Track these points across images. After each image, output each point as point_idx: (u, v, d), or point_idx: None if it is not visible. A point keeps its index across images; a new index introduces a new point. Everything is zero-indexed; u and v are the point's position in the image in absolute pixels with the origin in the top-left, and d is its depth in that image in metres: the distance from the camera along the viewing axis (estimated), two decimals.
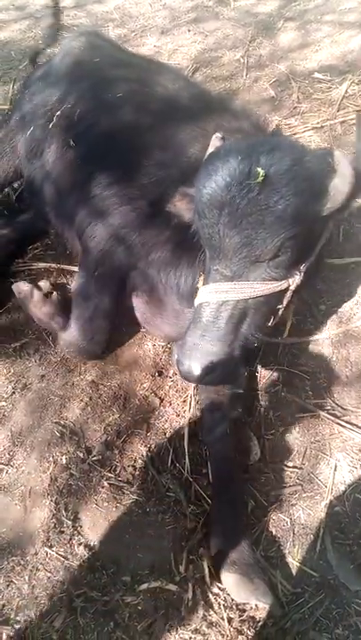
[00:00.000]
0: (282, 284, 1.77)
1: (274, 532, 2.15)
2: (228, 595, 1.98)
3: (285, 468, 2.30)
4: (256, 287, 1.72)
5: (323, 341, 2.64)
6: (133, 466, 2.33)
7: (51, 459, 2.35)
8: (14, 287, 2.81)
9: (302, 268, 1.81)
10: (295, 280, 1.80)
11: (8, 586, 2.04)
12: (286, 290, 1.81)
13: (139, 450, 2.38)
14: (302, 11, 5.05)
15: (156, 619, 1.93)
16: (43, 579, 2.05)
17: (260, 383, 2.55)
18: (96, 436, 2.43)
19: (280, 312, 1.91)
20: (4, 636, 1.92)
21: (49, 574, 2.06)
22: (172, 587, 2.00)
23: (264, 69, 4.38)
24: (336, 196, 1.69)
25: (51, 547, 2.11)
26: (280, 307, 1.88)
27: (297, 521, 2.17)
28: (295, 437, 2.38)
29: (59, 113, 2.67)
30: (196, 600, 1.97)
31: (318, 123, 3.70)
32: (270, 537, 2.14)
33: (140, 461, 2.34)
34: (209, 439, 2.30)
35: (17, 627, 1.94)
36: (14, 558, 2.10)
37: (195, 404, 2.47)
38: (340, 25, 4.71)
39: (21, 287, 2.77)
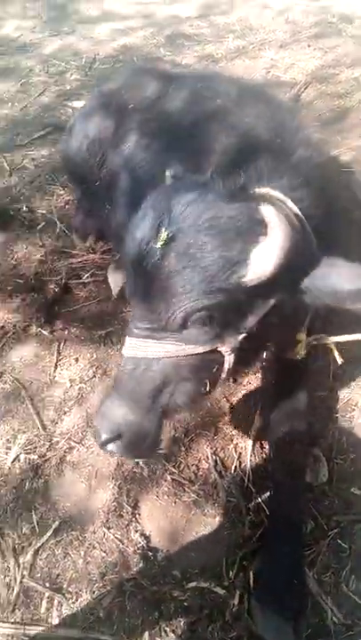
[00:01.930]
0: (200, 349, 1.56)
1: (331, 558, 2.08)
2: None
3: (352, 495, 2.22)
4: (168, 348, 1.55)
5: None
6: (197, 465, 2.36)
7: None
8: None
9: (235, 335, 1.59)
10: (227, 346, 1.59)
11: (65, 557, 2.15)
12: (221, 356, 1.62)
13: (204, 450, 2.40)
14: None
15: (201, 618, 1.94)
16: (97, 557, 2.13)
17: (338, 405, 2.48)
18: (165, 429, 2.48)
19: (222, 378, 1.70)
20: (56, 602, 2.03)
21: (103, 554, 2.14)
22: (220, 590, 2.00)
23: None
24: (261, 264, 1.43)
25: (109, 528, 2.20)
26: (220, 373, 1.68)
27: (356, 550, 2.09)
28: None
29: None
30: (241, 608, 1.96)
31: None
32: (326, 561, 2.07)
33: (203, 462, 2.37)
34: (274, 454, 2.28)
35: (68, 596, 2.04)
36: (73, 532, 2.20)
37: (261, 417, 2.46)
38: None
39: None
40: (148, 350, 1.57)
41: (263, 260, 1.42)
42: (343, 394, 2.53)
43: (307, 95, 4.34)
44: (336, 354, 2.02)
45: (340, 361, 1.99)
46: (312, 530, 2.15)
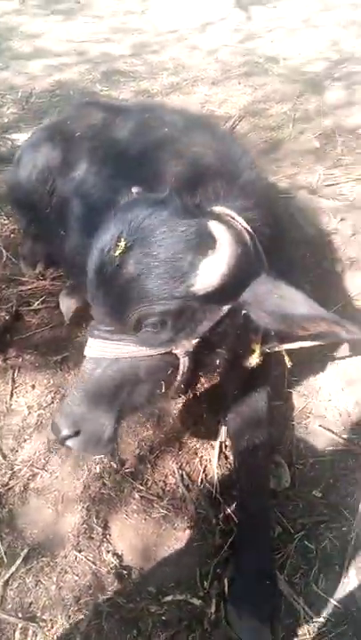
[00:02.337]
0: (153, 352, 1.67)
1: (299, 559, 2.17)
2: None
3: (313, 498, 2.33)
4: (124, 350, 1.66)
5: (359, 380, 2.71)
6: (164, 481, 2.39)
7: (85, 467, 2.43)
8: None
9: (190, 339, 1.69)
10: (182, 350, 1.69)
11: (36, 585, 2.09)
12: (176, 359, 1.72)
13: (170, 466, 2.44)
14: (349, 72, 5.38)
15: (180, 630, 1.95)
16: (70, 581, 2.10)
17: (293, 413, 2.61)
18: (130, 449, 2.51)
19: (177, 381, 1.79)
20: (30, 632, 1.97)
21: (76, 578, 2.10)
22: (196, 601, 2.02)
23: (310, 122, 4.65)
24: (209, 275, 1.54)
25: (80, 551, 2.17)
26: (176, 376, 1.77)
27: (323, 550, 2.18)
28: (325, 469, 2.42)
29: None
30: (218, 615, 1.99)
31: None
32: (295, 563, 2.15)
33: (170, 477, 2.41)
34: (239, 463, 2.35)
35: (42, 625, 1.99)
36: (44, 559, 2.15)
37: (224, 429, 2.54)
38: None
39: None
40: (106, 351, 1.68)
41: (211, 272, 1.54)
42: (298, 403, 2.66)
43: (241, 128, 4.63)
44: (286, 358, 2.17)
45: (289, 364, 2.12)
46: (279, 534, 2.23)
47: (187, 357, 1.72)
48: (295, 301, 1.61)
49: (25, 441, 2.57)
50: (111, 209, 2.51)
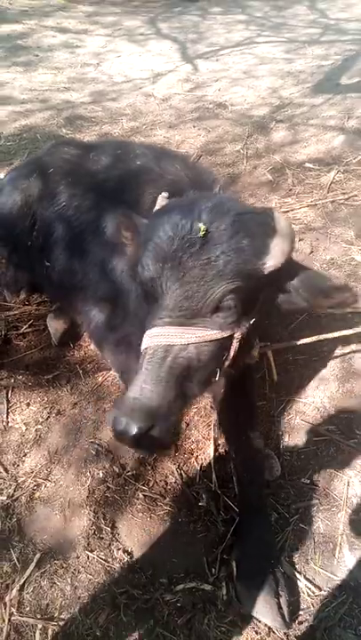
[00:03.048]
0: (224, 334, 1.78)
1: (296, 541, 2.34)
2: None
3: (303, 484, 2.53)
4: (198, 334, 1.72)
5: (331, 377, 2.98)
6: (165, 481, 2.53)
7: (88, 473, 2.55)
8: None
9: (246, 322, 1.83)
10: (239, 332, 1.82)
11: (51, 587, 2.16)
12: (231, 342, 1.84)
13: (169, 467, 2.59)
14: (291, 115, 5.94)
15: (195, 613, 2.07)
16: (85, 580, 2.18)
17: (277, 411, 2.84)
18: (129, 454, 2.64)
19: (225, 365, 1.91)
20: (50, 632, 2.02)
21: (90, 576, 2.19)
22: (207, 586, 2.15)
23: (261, 159, 5.09)
24: (277, 254, 1.75)
25: (92, 551, 2.26)
26: (226, 360, 1.89)
27: (317, 531, 2.37)
28: (310, 458, 2.63)
29: None
30: (230, 596, 2.12)
31: (312, 201, 4.31)
32: (293, 545, 2.32)
33: (170, 477, 2.55)
34: (235, 456, 2.54)
35: (61, 623, 2.05)
36: (57, 562, 2.23)
37: (218, 428, 2.73)
38: (323, 127, 5.56)
39: None
40: (181, 337, 1.71)
41: (278, 252, 1.75)
42: (280, 402, 2.89)
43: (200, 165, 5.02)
44: (274, 371, 2.44)
45: (275, 378, 2.37)
46: (276, 519, 2.40)
47: (239, 340, 1.83)
48: (321, 276, 1.92)
49: (25, 455, 2.66)
50: (97, 232, 2.73)
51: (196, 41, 9.05)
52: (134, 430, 1.58)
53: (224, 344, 1.82)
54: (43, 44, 8.53)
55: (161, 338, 1.72)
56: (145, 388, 1.67)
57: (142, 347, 1.76)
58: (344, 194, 4.40)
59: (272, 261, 1.75)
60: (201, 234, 1.66)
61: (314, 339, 2.81)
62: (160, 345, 1.72)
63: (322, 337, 2.80)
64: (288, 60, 8.03)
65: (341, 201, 4.29)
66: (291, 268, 1.88)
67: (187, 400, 1.79)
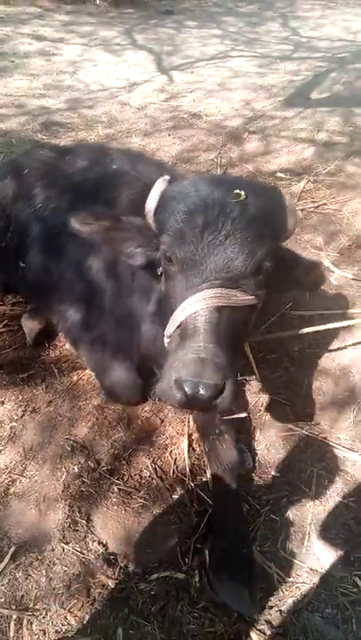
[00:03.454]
0: (258, 300, 1.85)
1: (267, 531, 2.42)
2: None
3: (273, 477, 2.62)
4: (241, 297, 1.77)
5: (300, 375, 3.10)
6: (140, 475, 2.59)
7: (63, 469, 2.57)
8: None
9: (264, 291, 1.90)
10: (261, 301, 1.89)
11: (26, 579, 2.18)
12: (255, 310, 1.93)
13: (144, 462, 2.64)
14: (263, 127, 6.13)
15: (169, 601, 2.12)
16: (60, 572, 2.20)
17: (248, 408, 2.93)
18: (104, 450, 2.69)
19: (249, 328, 2.02)
20: (25, 622, 2.04)
21: (65, 568, 2.22)
22: (180, 575, 2.21)
23: (235, 168, 5.24)
24: (292, 223, 1.95)
25: (67, 543, 2.29)
26: (251, 323, 2.00)
27: (286, 521, 2.46)
28: (280, 452, 2.73)
29: None
30: (202, 584, 2.18)
31: None
32: (264, 535, 2.40)
33: (145, 471, 2.60)
34: (208, 449, 2.61)
35: (36, 614, 2.07)
36: (32, 554, 2.25)
37: (192, 423, 2.80)
38: (294, 139, 5.77)
39: None
40: (230, 299, 1.73)
41: (292, 222, 1.94)
42: (251, 399, 2.98)
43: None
44: (255, 371, 2.55)
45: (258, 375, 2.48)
46: (247, 510, 2.48)
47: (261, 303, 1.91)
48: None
49: (0, 452, 2.67)
50: (73, 233, 2.78)
51: (172, 53, 9.23)
52: (210, 390, 1.57)
53: (254, 309, 1.90)
54: (19, 51, 8.57)
55: (215, 299, 1.71)
56: (208, 347, 1.64)
57: (189, 310, 1.73)
58: (313, 202, 4.57)
59: (290, 228, 1.93)
60: (242, 198, 1.76)
61: (316, 329, 2.99)
62: (214, 306, 1.71)
63: (322, 327, 2.98)
64: (261, 74, 8.27)
65: (311, 209, 4.46)
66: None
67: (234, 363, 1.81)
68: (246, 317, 1.90)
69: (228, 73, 8.29)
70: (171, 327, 1.85)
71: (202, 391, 1.59)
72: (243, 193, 1.77)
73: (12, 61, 8.01)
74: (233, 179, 1.95)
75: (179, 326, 1.80)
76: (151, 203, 2.00)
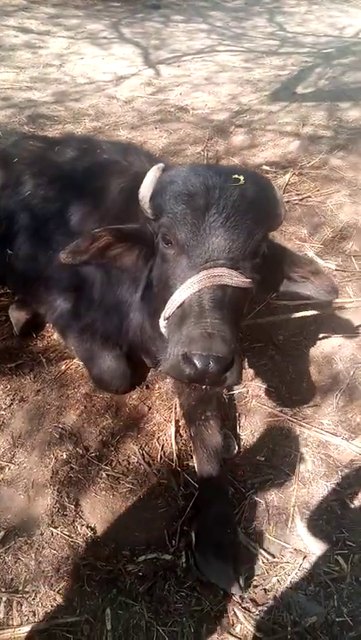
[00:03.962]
0: (254, 284, 1.89)
1: (252, 513, 2.48)
2: None
3: (258, 462, 2.68)
4: (241, 278, 1.81)
5: (285, 363, 3.16)
6: (127, 460, 2.63)
7: (52, 455, 2.61)
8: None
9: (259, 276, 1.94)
10: (256, 285, 1.93)
11: (16, 562, 2.21)
12: (250, 295, 1.96)
13: (131, 448, 2.69)
14: (249, 121, 6.16)
15: (156, 581, 2.17)
16: (49, 555, 2.24)
17: (234, 394, 2.98)
18: (92, 437, 2.72)
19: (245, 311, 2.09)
20: (15, 603, 2.08)
21: (54, 551, 2.26)
22: (168, 556, 2.26)
23: (221, 161, 5.27)
24: (282, 211, 2.00)
25: (55, 527, 2.33)
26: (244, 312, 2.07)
27: (271, 503, 2.52)
28: (265, 437, 2.79)
29: None
30: (189, 564, 2.23)
31: None
32: (249, 517, 2.46)
33: (132, 457, 2.65)
34: (194, 434, 2.66)
35: (26, 595, 2.11)
36: (21, 539, 2.28)
37: (179, 410, 2.85)
38: (280, 133, 5.81)
39: None
40: (232, 279, 1.77)
41: (282, 210, 1.99)
42: (238, 386, 3.04)
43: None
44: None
45: None
46: (233, 494, 2.54)
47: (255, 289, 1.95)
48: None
49: None
50: (63, 220, 2.79)
51: (159, 47, 9.22)
52: (220, 363, 1.60)
53: (250, 294, 1.94)
54: (4, 44, 8.50)
55: (218, 278, 1.75)
56: (215, 322, 1.68)
57: (193, 289, 1.76)
58: (298, 195, 4.63)
59: (281, 216, 1.97)
60: (241, 182, 1.80)
61: (304, 314, 3.20)
62: (218, 284, 1.76)
63: (309, 313, 3.15)
64: (247, 68, 8.30)
65: (296, 201, 4.52)
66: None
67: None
68: (243, 301, 1.93)
69: (215, 67, 8.30)
70: (170, 308, 1.87)
71: (212, 364, 1.60)
72: (242, 178, 1.82)
73: None
74: (229, 167, 1.97)
75: (180, 306, 1.82)
76: (147, 188, 2.02)
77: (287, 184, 4.77)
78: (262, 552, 2.34)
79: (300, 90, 7.27)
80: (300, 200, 4.55)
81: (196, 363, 1.62)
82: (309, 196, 4.60)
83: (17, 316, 3.32)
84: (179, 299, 1.81)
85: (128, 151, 3.11)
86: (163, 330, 2.00)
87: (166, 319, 1.95)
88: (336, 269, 3.79)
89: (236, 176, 1.84)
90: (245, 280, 1.83)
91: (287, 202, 4.52)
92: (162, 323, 1.99)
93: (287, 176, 4.87)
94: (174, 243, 1.90)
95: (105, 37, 9.52)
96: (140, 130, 5.93)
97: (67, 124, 5.99)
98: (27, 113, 6.12)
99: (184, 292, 1.79)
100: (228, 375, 1.67)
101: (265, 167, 5.08)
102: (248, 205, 1.81)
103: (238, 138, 5.76)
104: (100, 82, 7.34)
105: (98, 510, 2.42)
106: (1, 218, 3.19)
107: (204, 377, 1.64)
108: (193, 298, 1.77)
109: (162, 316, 1.96)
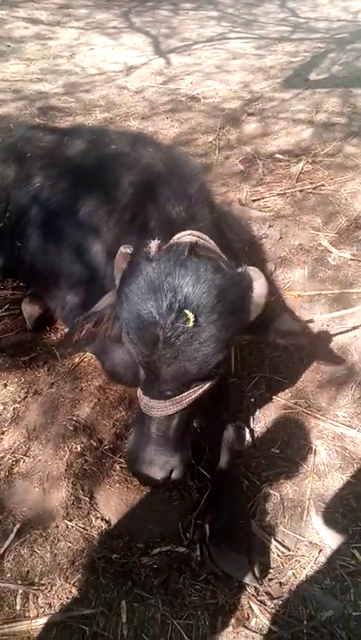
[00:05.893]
0: (214, 381, 1.92)
1: (266, 506, 2.46)
2: None
3: (273, 454, 2.66)
4: (192, 394, 1.85)
5: (298, 354, 3.12)
6: None
7: (66, 448, 2.61)
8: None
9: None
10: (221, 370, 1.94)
11: (31, 555, 2.23)
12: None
13: None
14: (261, 109, 6.07)
15: (171, 574, 2.17)
16: (64, 548, 2.25)
17: (247, 387, 2.96)
18: (106, 429, 2.73)
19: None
20: (31, 596, 2.10)
21: (69, 544, 2.26)
22: (182, 549, 2.26)
23: (233, 150, 5.22)
24: (255, 310, 1.87)
25: (70, 520, 2.33)
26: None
27: (286, 496, 2.50)
28: (279, 429, 2.77)
29: None
30: (203, 557, 2.23)
31: (282, 190, 4.46)
32: (264, 510, 2.45)
33: None
34: (206, 427, 2.64)
35: (42, 588, 2.12)
36: (36, 531, 2.30)
37: None
38: (293, 121, 5.72)
39: None
40: (181, 404, 1.84)
41: (256, 309, 1.87)
42: (251, 378, 3.01)
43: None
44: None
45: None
46: (247, 487, 2.52)
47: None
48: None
49: (3, 433, 2.70)
50: (72, 213, 2.77)
51: (169, 35, 9.12)
52: (159, 479, 1.93)
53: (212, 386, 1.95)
54: (14, 35, 8.47)
55: (164, 410, 1.85)
56: (158, 449, 1.92)
57: (142, 408, 1.93)
58: (312, 183, 4.55)
59: (252, 316, 1.87)
60: (190, 324, 1.66)
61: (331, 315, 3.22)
62: (164, 414, 1.86)
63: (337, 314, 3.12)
64: (259, 55, 8.17)
65: (309, 190, 4.45)
66: (265, 317, 1.98)
67: (192, 436, 2.12)
68: (207, 395, 1.95)
69: (226, 55, 8.18)
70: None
71: (152, 482, 1.98)
72: (191, 317, 1.66)
73: (8, 46, 7.92)
74: (194, 278, 1.73)
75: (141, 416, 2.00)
76: (116, 277, 2.01)
77: (300, 172, 4.69)
78: (277, 545, 2.33)
79: (313, 76, 7.13)
80: (314, 189, 4.47)
81: (138, 476, 2.02)
82: (323, 185, 4.52)
83: (30, 311, 3.32)
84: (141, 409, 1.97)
85: (137, 142, 3.08)
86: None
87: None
88: (351, 259, 3.73)
89: (188, 313, 1.67)
90: (203, 389, 1.87)
91: (301, 191, 4.46)
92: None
93: (300, 164, 4.79)
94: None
95: (115, 27, 9.44)
96: (151, 120, 5.88)
97: (77, 115, 5.96)
98: (37, 105, 6.10)
99: (141, 408, 1.94)
100: (174, 475, 1.97)
101: (278, 156, 5.00)
102: (201, 341, 1.70)
103: (250, 126, 5.68)
104: (111, 72, 7.28)
105: (112, 503, 2.43)
106: (12, 209, 3.20)
107: (149, 483, 2.05)
108: (145, 418, 1.94)
109: None
